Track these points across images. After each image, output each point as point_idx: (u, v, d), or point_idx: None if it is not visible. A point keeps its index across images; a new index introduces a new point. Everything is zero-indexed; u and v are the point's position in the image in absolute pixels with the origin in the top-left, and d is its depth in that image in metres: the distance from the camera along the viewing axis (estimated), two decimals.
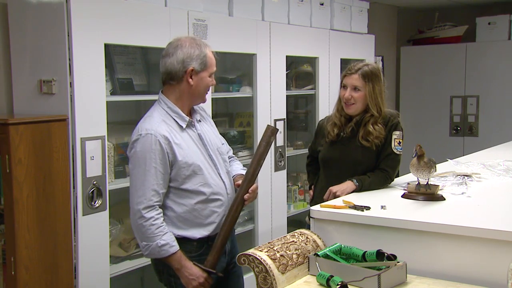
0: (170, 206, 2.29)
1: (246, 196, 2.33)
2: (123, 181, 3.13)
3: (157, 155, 2.20)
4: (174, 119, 2.29)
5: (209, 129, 2.45)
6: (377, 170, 2.78)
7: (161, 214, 2.24)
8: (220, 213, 2.35)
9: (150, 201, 2.20)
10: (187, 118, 2.32)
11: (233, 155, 2.63)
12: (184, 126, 2.29)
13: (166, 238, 2.22)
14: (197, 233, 2.31)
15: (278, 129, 2.41)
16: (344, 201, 2.49)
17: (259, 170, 2.38)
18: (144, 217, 2.19)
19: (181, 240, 2.29)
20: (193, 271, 2.26)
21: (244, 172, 2.47)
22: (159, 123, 2.25)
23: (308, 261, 2.16)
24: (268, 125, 2.44)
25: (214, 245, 2.32)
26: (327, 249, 2.16)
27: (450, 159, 3.54)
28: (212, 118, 3.51)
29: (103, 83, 2.89)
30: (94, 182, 2.84)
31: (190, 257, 2.29)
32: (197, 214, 2.30)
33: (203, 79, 2.29)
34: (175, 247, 2.23)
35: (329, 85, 4.63)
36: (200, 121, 2.41)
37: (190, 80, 2.27)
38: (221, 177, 2.37)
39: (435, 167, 2.56)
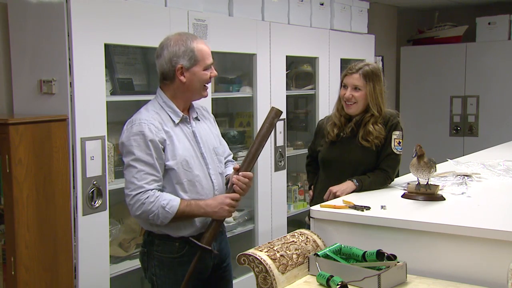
0: None
1: (235, 180, 2.28)
2: (123, 181, 3.11)
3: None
4: (168, 114, 2.29)
5: (207, 128, 2.43)
6: (377, 170, 2.78)
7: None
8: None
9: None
10: (181, 114, 2.31)
11: (232, 160, 2.60)
12: (177, 121, 2.29)
13: (167, 197, 2.19)
14: (175, 232, 2.26)
15: (282, 111, 2.40)
16: (344, 201, 2.49)
17: (261, 152, 2.36)
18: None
19: (162, 237, 2.27)
20: (213, 203, 2.24)
21: None
22: (153, 114, 2.25)
23: (308, 261, 2.15)
24: (272, 106, 2.42)
25: (211, 222, 2.29)
26: (327, 249, 2.16)
27: (450, 159, 3.54)
28: None
29: (103, 83, 2.89)
30: (94, 182, 2.84)
31: (172, 257, 2.27)
32: None
33: (196, 74, 2.27)
34: (177, 199, 2.20)
35: (329, 85, 4.63)
36: (197, 119, 2.40)
37: (182, 77, 2.26)
38: (210, 177, 2.34)
39: (435, 167, 2.56)
